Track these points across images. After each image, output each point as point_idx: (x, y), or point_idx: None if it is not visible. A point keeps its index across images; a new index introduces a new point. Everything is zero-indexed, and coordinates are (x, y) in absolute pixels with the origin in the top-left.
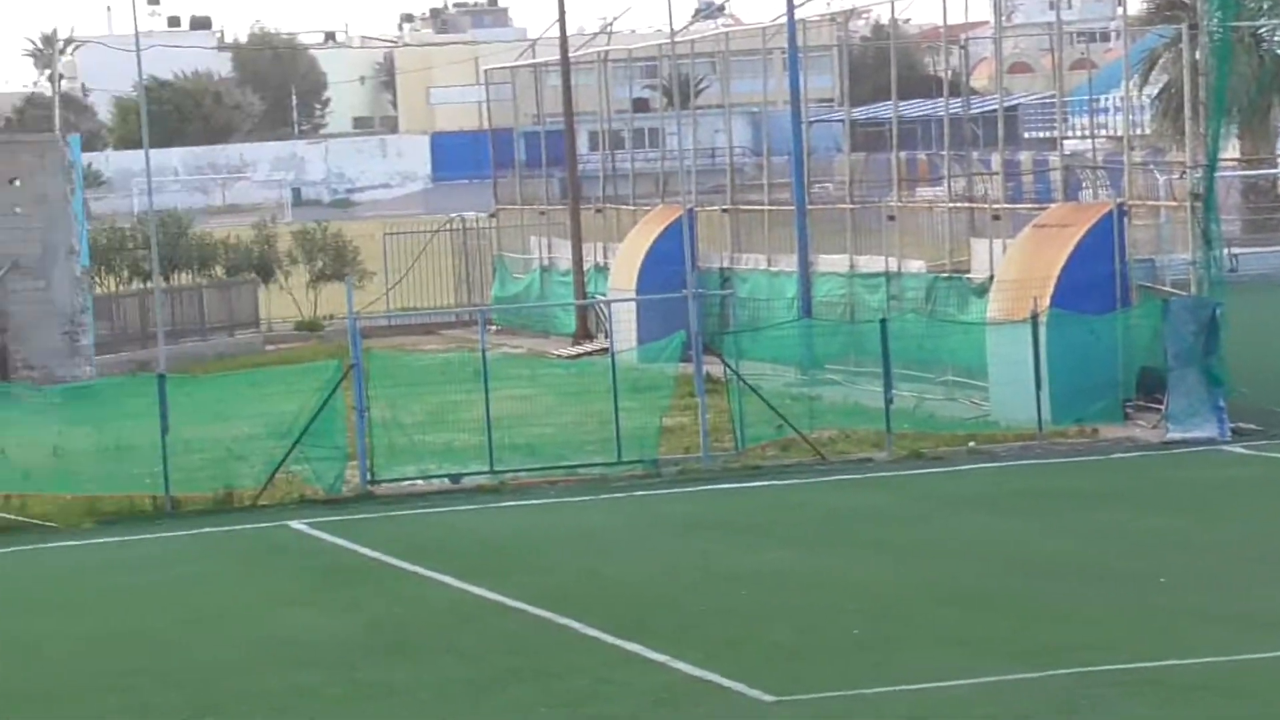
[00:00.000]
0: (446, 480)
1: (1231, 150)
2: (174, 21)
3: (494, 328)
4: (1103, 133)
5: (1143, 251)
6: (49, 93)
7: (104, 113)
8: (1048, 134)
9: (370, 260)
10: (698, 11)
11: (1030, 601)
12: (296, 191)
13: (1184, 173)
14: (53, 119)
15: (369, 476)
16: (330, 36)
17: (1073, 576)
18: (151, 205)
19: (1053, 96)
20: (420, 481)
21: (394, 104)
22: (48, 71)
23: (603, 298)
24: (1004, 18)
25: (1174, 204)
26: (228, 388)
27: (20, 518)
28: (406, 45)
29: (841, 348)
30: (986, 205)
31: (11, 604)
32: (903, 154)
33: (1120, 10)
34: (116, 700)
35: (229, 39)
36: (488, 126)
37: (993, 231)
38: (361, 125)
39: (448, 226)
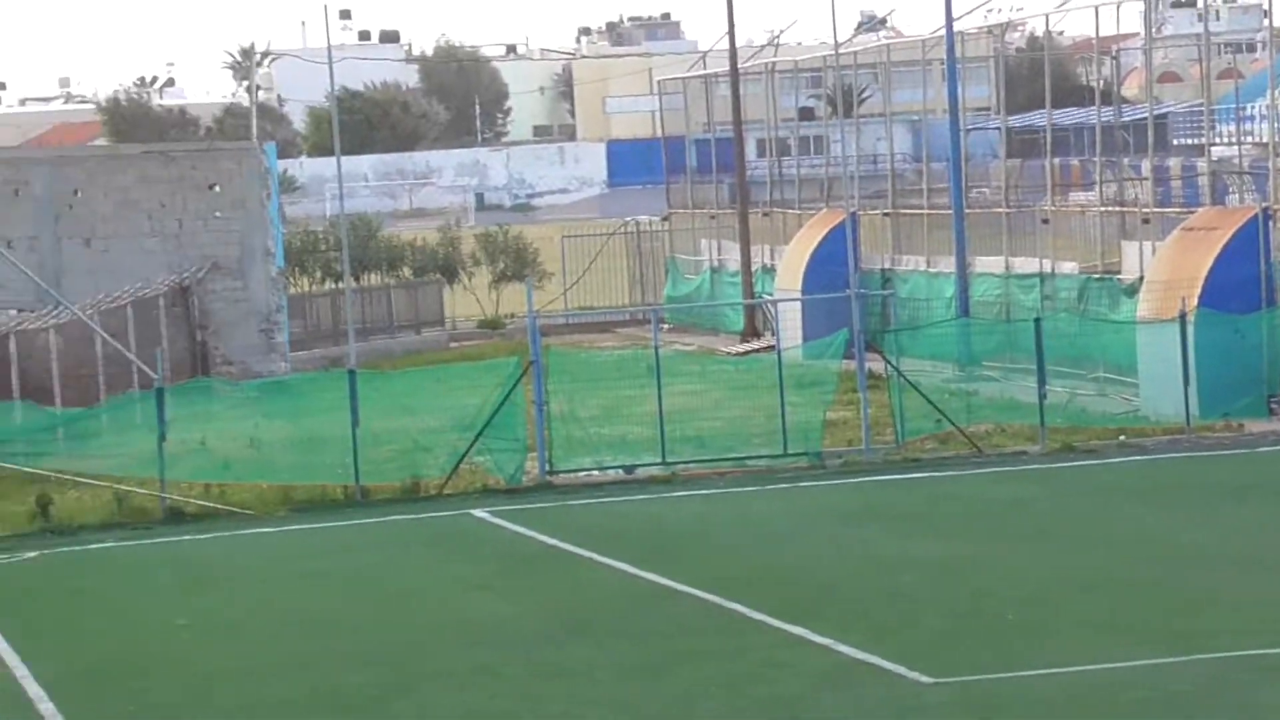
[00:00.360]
0: (621, 471)
1: None
2: (364, 35)
3: (666, 326)
4: (1249, 140)
5: None
6: (247, 103)
7: (298, 122)
8: (1196, 141)
9: (549, 262)
10: (860, 24)
11: (1176, 589)
12: (479, 196)
13: None
14: (250, 128)
15: (548, 467)
16: (511, 49)
17: (1217, 565)
18: (343, 209)
19: (1201, 105)
20: (596, 472)
21: (572, 113)
22: (246, 83)
23: (769, 297)
24: (1154, 29)
25: None
26: (414, 383)
27: (220, 505)
28: (584, 57)
29: (998, 345)
30: (1137, 209)
31: (212, 586)
32: (1056, 160)
33: (1266, 22)
34: (309, 679)
35: (416, 52)
36: (661, 134)
37: (1143, 234)
38: (541, 133)
39: (622, 229)
